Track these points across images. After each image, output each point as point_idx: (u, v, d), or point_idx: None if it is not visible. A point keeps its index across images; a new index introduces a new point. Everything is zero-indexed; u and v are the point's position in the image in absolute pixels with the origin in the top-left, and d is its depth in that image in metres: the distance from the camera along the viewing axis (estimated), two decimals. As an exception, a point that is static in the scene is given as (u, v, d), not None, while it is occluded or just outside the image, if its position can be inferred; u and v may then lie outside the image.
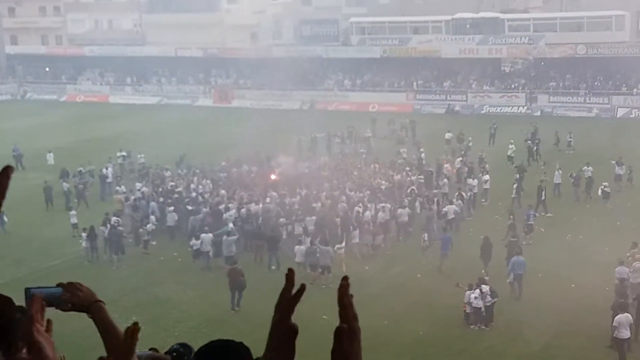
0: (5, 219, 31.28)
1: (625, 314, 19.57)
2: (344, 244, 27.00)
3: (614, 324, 19.46)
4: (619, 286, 21.85)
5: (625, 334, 19.29)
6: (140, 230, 29.49)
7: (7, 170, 2.11)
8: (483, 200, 34.24)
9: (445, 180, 34.72)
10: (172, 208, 30.87)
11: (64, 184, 36.08)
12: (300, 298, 2.13)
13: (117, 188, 34.96)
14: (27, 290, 2.72)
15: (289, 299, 2.13)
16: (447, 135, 45.65)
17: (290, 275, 2.15)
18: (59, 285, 2.76)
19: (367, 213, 29.73)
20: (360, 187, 32.84)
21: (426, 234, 28.24)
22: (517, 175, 34.60)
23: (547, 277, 25.18)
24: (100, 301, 2.75)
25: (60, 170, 37.79)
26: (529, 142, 43.02)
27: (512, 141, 42.30)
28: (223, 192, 32.95)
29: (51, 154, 43.08)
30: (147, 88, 72.73)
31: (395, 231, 29.86)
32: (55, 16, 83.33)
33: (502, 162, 40.21)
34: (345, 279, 2.12)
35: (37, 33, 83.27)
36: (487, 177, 35.02)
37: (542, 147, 43.09)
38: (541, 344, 21.07)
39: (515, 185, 33.71)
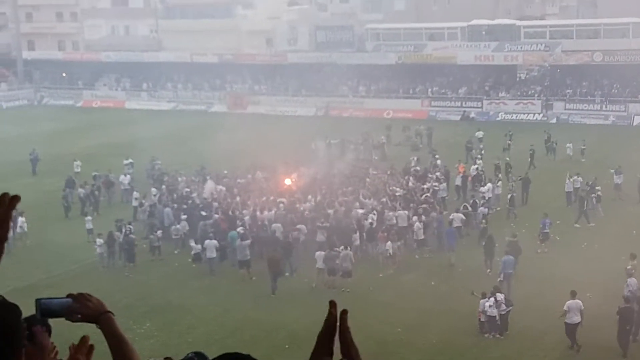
0: (26, 228, 31.23)
1: (576, 300, 20.87)
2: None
3: (564, 308, 20.77)
4: (631, 297, 21.64)
5: (576, 319, 20.65)
6: (151, 236, 29.55)
7: (13, 200, 2.09)
8: (498, 207, 34.12)
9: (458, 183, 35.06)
10: (185, 216, 31.00)
11: (80, 189, 36.16)
12: (342, 329, 2.13)
13: (135, 193, 35.04)
14: (37, 301, 2.74)
15: (329, 329, 2.13)
16: (478, 134, 46.25)
17: (333, 305, 2.15)
18: (68, 296, 2.77)
19: (379, 219, 29.71)
20: (374, 194, 32.76)
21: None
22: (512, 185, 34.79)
23: (562, 286, 24.99)
24: (109, 312, 2.76)
25: (65, 180, 37.10)
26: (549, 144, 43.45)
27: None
28: (237, 198, 32.94)
29: (78, 162, 42.25)
30: (162, 94, 73.02)
31: (410, 238, 29.80)
32: (72, 22, 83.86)
33: (517, 169, 39.98)
34: (344, 312, 2.12)
35: (54, 38, 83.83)
36: (499, 184, 35.12)
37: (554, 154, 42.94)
38: (556, 355, 20.92)
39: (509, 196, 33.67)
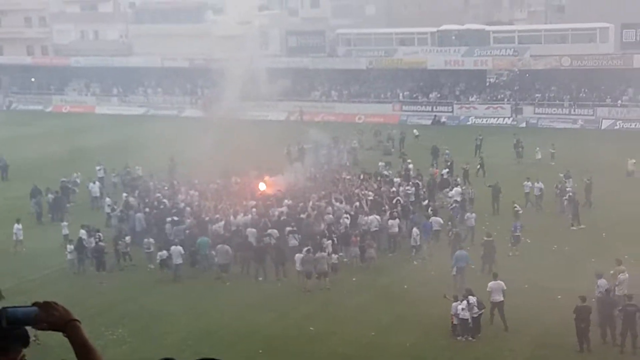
0: (20, 236, 30.95)
1: (498, 280, 23.04)
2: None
3: (487, 289, 22.88)
4: (604, 297, 22.00)
5: (499, 298, 22.75)
6: (120, 242, 29.34)
7: None
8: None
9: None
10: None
11: (49, 195, 35.84)
12: None
13: (108, 200, 34.78)
14: (3, 309, 2.75)
15: None
16: (477, 140, 46.64)
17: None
18: (34, 304, 2.78)
19: (352, 223, 29.86)
20: (347, 198, 32.88)
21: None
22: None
23: (532, 288, 25.30)
24: (75, 320, 2.77)
25: (32, 188, 36.28)
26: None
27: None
28: (210, 203, 32.91)
29: (101, 167, 40.86)
30: (133, 99, 72.63)
31: (385, 242, 29.96)
32: (40, 27, 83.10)
33: (488, 173, 40.35)
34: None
35: (23, 43, 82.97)
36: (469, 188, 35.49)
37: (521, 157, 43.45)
38: (526, 355, 21.17)
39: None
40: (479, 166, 40.90)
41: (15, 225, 30.89)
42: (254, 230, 29.27)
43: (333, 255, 27.34)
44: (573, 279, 25.13)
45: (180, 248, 27.59)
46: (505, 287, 22.91)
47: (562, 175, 36.40)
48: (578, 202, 32.99)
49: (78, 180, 39.04)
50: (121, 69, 72.93)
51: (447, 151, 42.91)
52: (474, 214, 31.40)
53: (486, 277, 25.43)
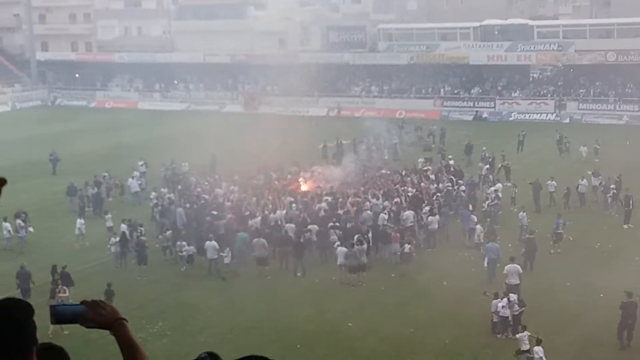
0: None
1: (514, 264, 23.94)
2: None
3: (504, 272, 23.77)
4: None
5: (515, 281, 23.47)
6: (160, 236, 29.52)
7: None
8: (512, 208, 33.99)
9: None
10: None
11: (89, 189, 36.31)
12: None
13: (153, 194, 35.08)
14: (51, 307, 2.80)
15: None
16: (520, 136, 46.24)
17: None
18: (82, 302, 2.83)
19: (393, 219, 29.74)
20: (386, 194, 32.73)
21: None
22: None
23: (575, 286, 24.95)
24: (122, 319, 2.80)
25: (68, 186, 36.54)
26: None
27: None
28: (254, 199, 32.96)
29: (143, 163, 40.98)
30: (175, 94, 73.26)
31: (423, 239, 29.78)
32: (85, 23, 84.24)
33: (529, 169, 39.79)
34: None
35: (67, 40, 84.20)
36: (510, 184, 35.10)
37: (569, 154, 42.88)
38: (571, 354, 20.85)
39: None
40: (500, 165, 39.86)
41: (78, 220, 31.39)
42: (292, 225, 29.29)
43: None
44: (616, 277, 24.68)
45: (214, 243, 27.69)
46: (521, 271, 23.91)
47: (590, 172, 35.70)
48: (630, 199, 32.17)
49: (107, 175, 39.14)
50: (164, 64, 73.62)
51: (484, 148, 42.14)
52: (524, 213, 30.64)
53: (527, 274, 25.17)
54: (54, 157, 44.46)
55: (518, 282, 23.56)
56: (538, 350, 19.15)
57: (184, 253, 28.30)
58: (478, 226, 29.23)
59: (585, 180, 34.78)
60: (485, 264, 26.03)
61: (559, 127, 49.86)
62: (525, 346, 19.67)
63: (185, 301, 25.26)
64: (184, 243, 28.75)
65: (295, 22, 73.02)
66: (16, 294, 22.94)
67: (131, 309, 22.96)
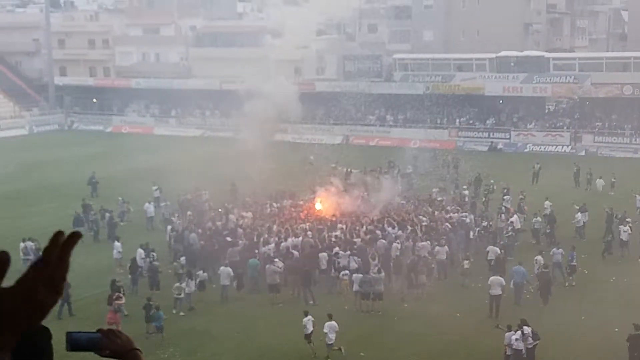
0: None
1: (497, 276, 25.67)
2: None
3: (489, 283, 25.50)
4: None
5: (497, 292, 25.24)
6: (175, 263, 29.53)
7: (71, 239, 2.01)
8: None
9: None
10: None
11: (106, 213, 36.43)
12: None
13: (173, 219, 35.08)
14: (68, 334, 2.81)
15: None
16: (535, 167, 46.15)
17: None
18: (98, 331, 2.84)
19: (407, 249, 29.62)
20: (400, 224, 32.61)
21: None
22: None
23: (590, 320, 24.69)
24: (137, 349, 2.81)
25: (74, 217, 35.85)
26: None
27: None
28: (268, 225, 32.93)
29: (157, 188, 41.11)
30: (190, 120, 73.60)
31: (435, 269, 29.61)
32: (103, 49, 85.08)
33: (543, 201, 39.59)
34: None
35: (86, 65, 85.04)
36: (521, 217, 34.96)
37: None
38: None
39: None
40: (486, 193, 39.97)
41: (116, 243, 31.47)
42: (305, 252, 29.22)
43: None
44: (631, 312, 24.41)
45: (229, 269, 27.64)
46: (504, 283, 25.50)
47: (577, 207, 35.39)
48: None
49: (121, 200, 39.24)
50: (180, 91, 74.07)
51: (491, 181, 41.94)
52: (560, 249, 29.71)
53: (542, 307, 24.97)
54: (94, 179, 44.73)
55: (500, 292, 25.23)
56: None
57: (181, 294, 26.97)
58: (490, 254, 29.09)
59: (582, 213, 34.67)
60: (512, 286, 26.45)
61: (574, 160, 49.66)
62: None
63: (197, 327, 25.16)
64: (182, 260, 29.02)
65: (312, 51, 73.47)
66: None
67: (142, 335, 22.91)
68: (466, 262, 29.23)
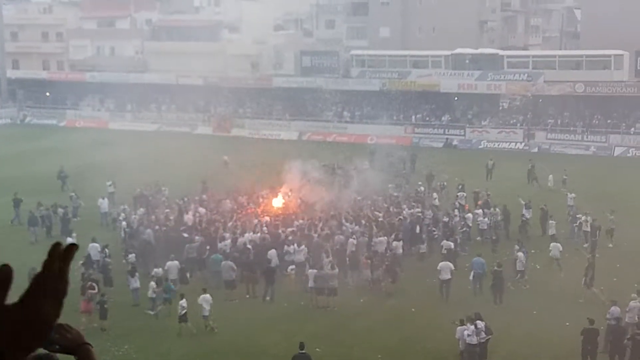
0: None
1: (447, 262, 27.09)
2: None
3: (438, 268, 26.89)
4: (614, 326, 21.84)
5: (447, 276, 26.64)
6: (123, 261, 29.22)
7: (69, 251, 2.00)
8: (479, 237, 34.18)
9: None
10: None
11: (59, 209, 35.94)
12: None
13: (122, 215, 34.71)
14: None
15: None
16: (489, 164, 46.46)
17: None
18: None
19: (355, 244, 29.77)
20: (356, 219, 32.77)
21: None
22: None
23: (541, 315, 25.10)
24: (87, 344, 2.75)
25: (28, 217, 35.28)
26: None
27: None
28: (224, 220, 32.82)
29: (111, 183, 40.40)
30: (146, 115, 72.88)
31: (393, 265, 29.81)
32: (57, 42, 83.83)
33: (498, 198, 40.11)
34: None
35: (39, 58, 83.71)
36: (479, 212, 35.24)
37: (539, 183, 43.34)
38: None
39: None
40: (439, 189, 40.64)
41: (69, 239, 30.29)
42: (274, 251, 29.05)
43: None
44: (581, 306, 24.91)
45: (176, 262, 27.67)
46: (453, 268, 26.96)
47: (523, 203, 35.87)
48: (596, 230, 32.66)
49: (74, 195, 38.81)
50: (136, 85, 73.26)
51: (444, 183, 42.25)
52: (559, 244, 30.20)
53: (496, 307, 25.35)
54: (63, 173, 44.17)
55: (449, 277, 26.57)
56: None
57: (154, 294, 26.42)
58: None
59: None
60: (471, 277, 27.28)
61: (527, 156, 50.33)
62: None
63: (152, 324, 25.01)
64: (132, 256, 28.87)
65: (269, 46, 73.33)
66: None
67: (96, 331, 22.70)
68: (422, 246, 30.94)
